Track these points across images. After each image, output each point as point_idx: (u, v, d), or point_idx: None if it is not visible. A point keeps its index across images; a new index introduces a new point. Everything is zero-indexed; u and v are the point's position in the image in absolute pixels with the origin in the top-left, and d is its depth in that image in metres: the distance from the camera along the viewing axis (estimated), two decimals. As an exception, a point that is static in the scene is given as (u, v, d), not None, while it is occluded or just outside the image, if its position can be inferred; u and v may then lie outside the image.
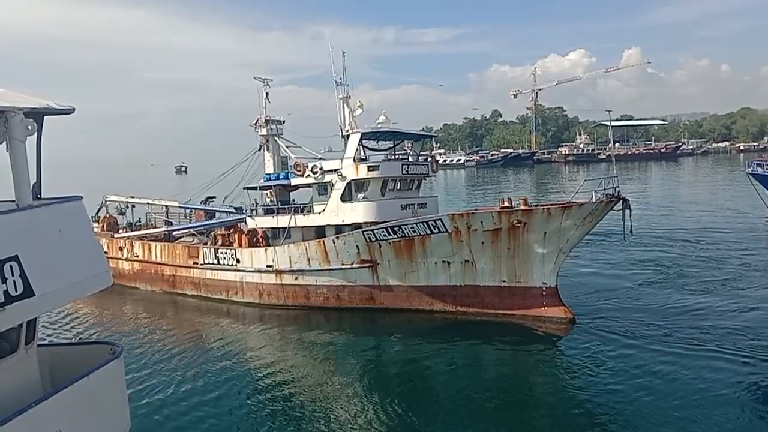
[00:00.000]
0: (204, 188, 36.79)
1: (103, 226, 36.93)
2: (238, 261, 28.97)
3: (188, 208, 37.25)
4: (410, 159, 29.63)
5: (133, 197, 39.54)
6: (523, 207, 22.72)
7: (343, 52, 29.02)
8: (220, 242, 30.73)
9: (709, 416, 14.62)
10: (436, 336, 23.07)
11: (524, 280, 23.94)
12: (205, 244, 31.92)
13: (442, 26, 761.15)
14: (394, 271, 25.43)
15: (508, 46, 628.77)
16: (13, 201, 7.48)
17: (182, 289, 31.75)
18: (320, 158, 28.73)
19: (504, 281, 24.24)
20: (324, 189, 27.33)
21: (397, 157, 29.93)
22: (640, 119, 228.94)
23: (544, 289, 23.65)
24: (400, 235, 24.49)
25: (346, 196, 26.41)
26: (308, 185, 28.39)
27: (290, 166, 29.75)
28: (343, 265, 25.96)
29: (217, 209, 36.24)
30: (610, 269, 31.56)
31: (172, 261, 32.14)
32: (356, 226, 25.76)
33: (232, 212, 34.87)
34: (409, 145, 32.63)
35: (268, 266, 27.82)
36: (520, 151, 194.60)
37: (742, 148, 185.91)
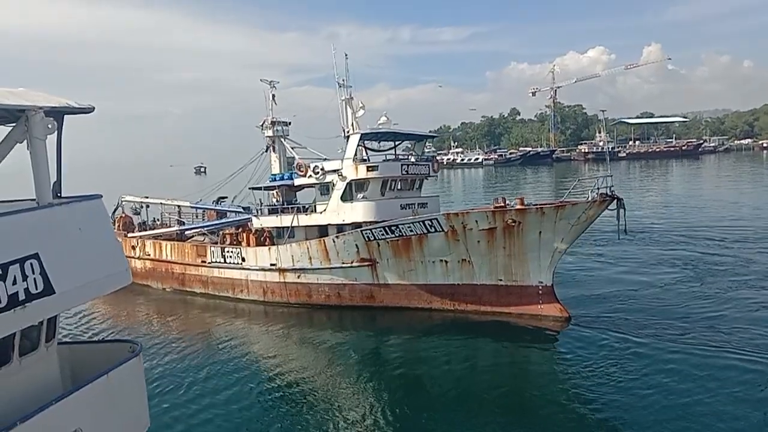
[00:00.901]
0: (215, 188, 37.66)
1: (118, 226, 38.07)
2: (243, 259, 29.73)
3: (199, 208, 38.16)
4: (411, 159, 30.03)
5: (147, 197, 40.67)
6: (518, 206, 22.98)
7: (346, 54, 29.58)
8: (228, 241, 31.51)
9: (708, 416, 14.78)
10: (434, 333, 23.48)
11: (520, 279, 24.21)
12: (215, 243, 32.77)
13: (459, 25, 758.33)
14: (393, 269, 25.89)
15: (526, 44, 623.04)
16: (34, 199, 7.51)
17: (191, 286, 32.69)
18: (325, 159, 29.29)
19: (501, 280, 24.53)
20: (326, 189, 27.90)
21: (396, 157, 30.36)
22: (661, 116, 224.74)
23: (540, 287, 23.91)
24: (397, 235, 24.94)
25: (347, 196, 26.93)
26: (311, 185, 29.00)
27: (294, 166, 30.41)
28: (343, 263, 26.51)
29: (228, 209, 37.09)
30: (608, 268, 31.60)
31: (181, 259, 33.11)
32: (356, 226, 26.27)
33: (241, 212, 35.67)
34: (410, 144, 32.90)
35: (271, 265, 28.53)
36: (539, 149, 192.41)
37: (765, 145, 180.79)
